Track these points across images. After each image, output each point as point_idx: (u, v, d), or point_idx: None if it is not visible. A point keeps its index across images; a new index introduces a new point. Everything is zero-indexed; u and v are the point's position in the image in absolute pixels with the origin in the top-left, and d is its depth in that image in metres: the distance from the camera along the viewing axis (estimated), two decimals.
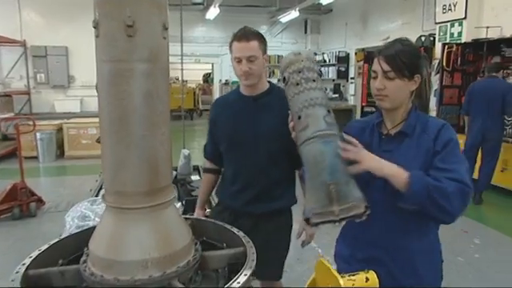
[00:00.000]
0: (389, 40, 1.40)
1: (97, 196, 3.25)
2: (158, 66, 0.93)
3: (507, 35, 5.59)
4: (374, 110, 8.67)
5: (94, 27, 0.89)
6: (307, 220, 1.07)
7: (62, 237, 1.17)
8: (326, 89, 10.39)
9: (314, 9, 10.50)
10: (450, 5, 6.43)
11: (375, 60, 1.34)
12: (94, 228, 1.16)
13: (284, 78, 1.26)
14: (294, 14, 9.44)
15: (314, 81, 1.20)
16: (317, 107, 1.16)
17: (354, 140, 1.20)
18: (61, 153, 7.42)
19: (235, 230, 1.19)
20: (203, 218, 1.23)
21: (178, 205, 2.80)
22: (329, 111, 1.17)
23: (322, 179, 1.08)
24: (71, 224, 2.61)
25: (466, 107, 5.07)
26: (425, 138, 1.30)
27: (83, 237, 1.10)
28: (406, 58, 1.29)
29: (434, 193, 1.15)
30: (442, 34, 6.50)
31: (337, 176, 1.08)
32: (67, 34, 8.85)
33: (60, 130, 7.38)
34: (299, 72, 1.20)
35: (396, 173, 1.20)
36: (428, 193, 1.16)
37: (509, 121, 5.06)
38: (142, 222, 0.94)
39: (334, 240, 1.59)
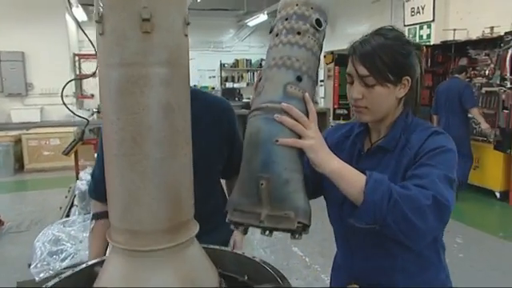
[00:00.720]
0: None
1: (68, 216, 2.96)
2: (179, 71, 0.74)
3: (473, 37, 5.76)
4: (346, 112, 8.83)
5: (98, 22, 0.69)
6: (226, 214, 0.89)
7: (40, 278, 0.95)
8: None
9: None
10: (418, 8, 6.56)
11: (349, 60, 1.06)
12: (89, 268, 0.95)
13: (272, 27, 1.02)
14: (262, 17, 9.33)
15: (298, 33, 0.93)
16: (282, 69, 0.91)
17: (297, 111, 0.88)
18: (20, 166, 6.89)
19: (258, 259, 1.01)
20: (217, 247, 1.04)
21: None
22: (299, 79, 0.91)
23: (253, 168, 0.87)
24: (42, 250, 2.32)
25: (435, 107, 5.37)
26: (406, 152, 1.05)
27: (76, 281, 0.89)
28: (388, 57, 1.00)
29: (403, 204, 0.87)
30: (411, 36, 6.61)
31: (272, 169, 0.85)
32: (23, 38, 8.26)
33: (18, 141, 6.86)
34: (285, 19, 0.96)
35: (348, 174, 0.93)
36: (393, 204, 0.87)
37: (476, 121, 5.23)
38: (163, 266, 0.75)
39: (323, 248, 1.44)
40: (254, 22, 10.02)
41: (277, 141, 0.86)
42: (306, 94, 0.92)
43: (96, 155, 1.35)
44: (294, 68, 0.92)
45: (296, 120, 0.89)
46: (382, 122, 1.10)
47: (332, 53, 9.15)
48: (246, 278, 1.00)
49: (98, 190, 1.36)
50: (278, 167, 0.86)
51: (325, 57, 9.75)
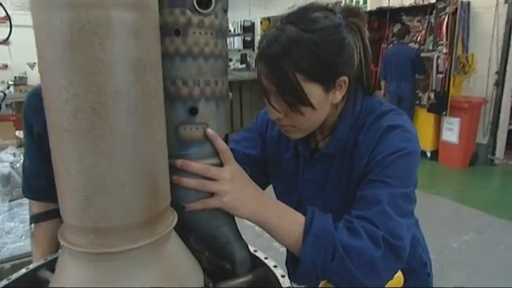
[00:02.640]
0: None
1: None
2: (148, 16, 0.56)
3: (406, 4, 5.95)
4: None
5: None
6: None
7: None
8: (231, 59, 10.11)
9: None
10: None
11: (256, 67, 0.84)
12: (31, 273, 0.77)
13: None
14: None
15: (177, 33, 0.65)
16: (169, 103, 0.68)
17: (196, 167, 0.71)
18: None
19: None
20: None
21: None
22: (194, 111, 0.69)
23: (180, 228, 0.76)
24: None
25: (383, 73, 5.51)
26: (356, 157, 0.88)
27: None
28: (307, 61, 0.78)
29: (349, 262, 0.73)
30: (348, 1, 6.66)
31: (196, 230, 0.77)
32: None
33: None
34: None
35: (281, 224, 0.77)
36: (338, 263, 0.73)
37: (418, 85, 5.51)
38: (144, 267, 0.59)
39: None
40: None
41: (184, 207, 0.73)
42: (209, 130, 0.70)
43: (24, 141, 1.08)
44: (182, 96, 0.67)
45: (201, 174, 0.71)
46: (324, 124, 0.92)
47: (268, 19, 8.99)
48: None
49: (32, 187, 1.10)
50: (200, 229, 0.77)
51: (261, 23, 9.57)
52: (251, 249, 0.89)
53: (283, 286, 0.76)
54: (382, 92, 5.57)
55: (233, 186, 0.74)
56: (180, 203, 0.73)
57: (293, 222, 0.79)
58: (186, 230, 0.80)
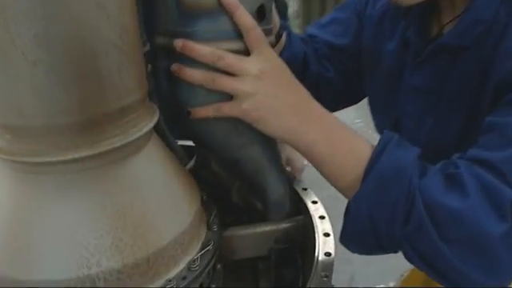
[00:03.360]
0: None
1: None
2: None
3: None
4: None
5: None
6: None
7: None
8: None
9: None
10: None
11: None
12: None
13: None
14: None
15: None
16: None
17: (203, 50, 0.48)
18: None
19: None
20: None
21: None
22: None
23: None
24: None
25: None
26: (503, 53, 0.52)
27: None
28: None
29: (436, 232, 0.44)
30: None
31: (210, 148, 0.58)
32: None
33: None
34: None
35: (334, 148, 0.50)
36: (417, 226, 0.45)
37: None
38: (76, 191, 0.41)
39: None
40: None
41: (189, 113, 0.51)
42: None
43: None
44: None
45: (210, 63, 0.48)
46: None
47: None
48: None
49: None
50: (215, 147, 0.56)
51: None
52: (300, 186, 0.65)
53: (319, 248, 0.51)
54: None
55: (260, 86, 0.49)
56: (184, 107, 0.52)
57: (351, 151, 0.50)
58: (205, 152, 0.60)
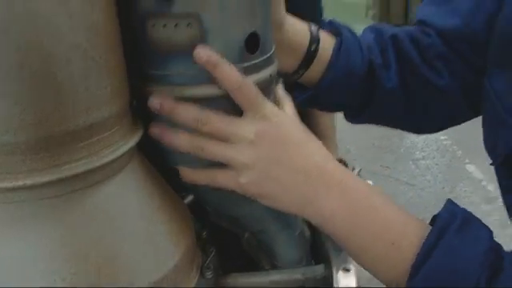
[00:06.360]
0: None
1: None
2: None
3: None
4: None
5: None
6: None
7: None
8: None
9: None
10: None
11: None
12: None
13: None
14: None
15: None
16: None
17: (191, 111, 0.38)
18: None
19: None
20: None
21: None
22: None
23: None
24: None
25: None
26: None
27: None
28: None
29: None
30: None
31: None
32: None
33: None
34: None
35: (364, 234, 0.38)
36: None
37: None
38: (28, 226, 0.33)
39: None
40: None
41: (176, 171, 0.43)
42: (200, 49, 0.36)
43: None
44: None
45: (192, 126, 0.39)
46: None
47: None
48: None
49: None
50: (209, 203, 0.49)
51: None
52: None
53: None
54: None
55: (258, 155, 0.38)
56: (171, 162, 0.43)
57: (388, 235, 0.38)
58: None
